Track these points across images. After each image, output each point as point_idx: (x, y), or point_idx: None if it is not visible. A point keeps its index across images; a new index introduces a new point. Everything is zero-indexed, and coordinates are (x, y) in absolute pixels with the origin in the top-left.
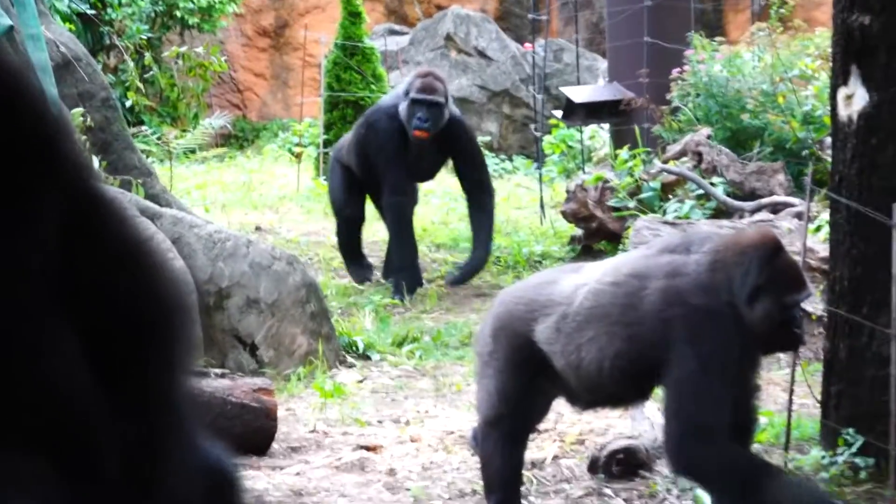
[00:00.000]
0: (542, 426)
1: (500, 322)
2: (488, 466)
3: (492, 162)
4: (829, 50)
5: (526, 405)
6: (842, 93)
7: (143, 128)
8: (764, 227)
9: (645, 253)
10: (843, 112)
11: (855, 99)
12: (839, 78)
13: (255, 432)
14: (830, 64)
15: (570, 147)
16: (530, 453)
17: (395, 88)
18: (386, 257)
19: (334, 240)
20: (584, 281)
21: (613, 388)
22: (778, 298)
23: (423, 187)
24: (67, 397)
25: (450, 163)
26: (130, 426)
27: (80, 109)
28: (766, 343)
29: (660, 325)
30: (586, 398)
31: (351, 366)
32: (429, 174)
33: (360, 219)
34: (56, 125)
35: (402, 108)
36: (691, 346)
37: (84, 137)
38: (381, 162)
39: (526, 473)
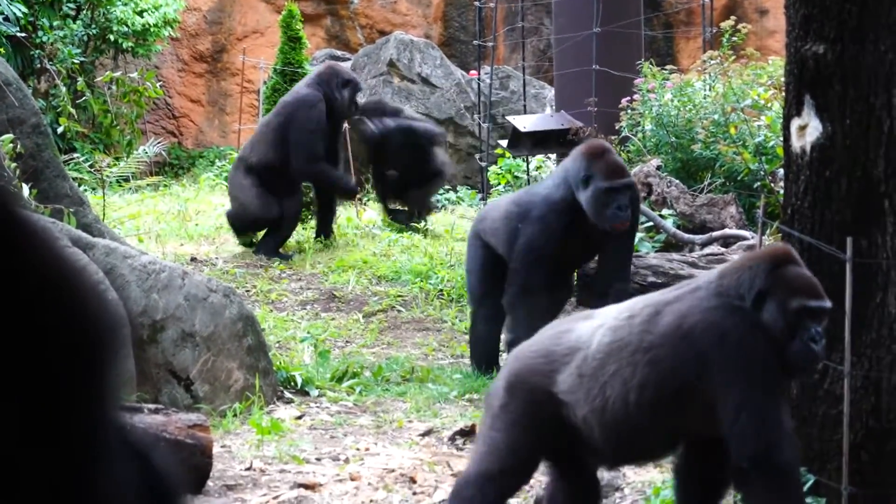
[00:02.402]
0: None
1: (517, 377)
2: None
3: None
4: (783, 79)
5: (531, 463)
6: (795, 123)
7: (76, 155)
8: (777, 243)
9: (661, 291)
10: (797, 143)
11: (808, 130)
12: (792, 108)
13: (190, 470)
14: (783, 94)
15: (517, 177)
16: None
17: (555, 173)
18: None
19: (273, 272)
20: (601, 322)
21: (643, 426)
22: (783, 302)
23: (365, 217)
24: None
25: None
26: (57, 453)
27: (9, 136)
28: (783, 357)
29: (679, 342)
30: (612, 449)
31: (289, 401)
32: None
33: (499, 317)
34: None
35: (585, 197)
36: (716, 351)
37: (14, 164)
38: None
39: None
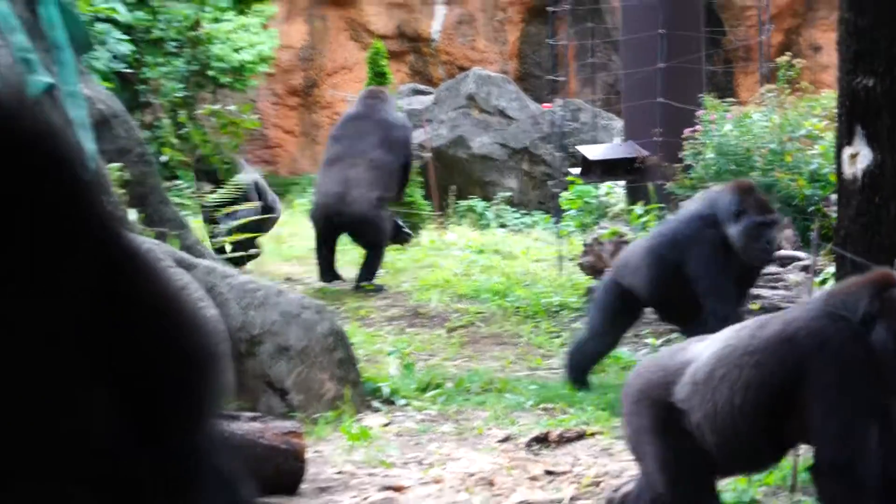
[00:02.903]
0: (560, 469)
1: (641, 394)
2: None
3: (512, 216)
4: (835, 111)
5: (693, 468)
6: (847, 152)
7: (178, 182)
8: (883, 268)
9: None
10: (848, 170)
11: (859, 158)
12: (844, 138)
13: (285, 473)
14: (836, 124)
15: (587, 203)
16: (548, 494)
17: (691, 210)
18: None
19: (361, 291)
20: (714, 338)
21: (747, 429)
22: (893, 326)
23: (447, 240)
24: (102, 451)
25: None
26: (162, 473)
27: (117, 164)
28: (889, 379)
29: (781, 345)
30: (722, 454)
31: (377, 410)
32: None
33: (606, 351)
34: (87, 183)
35: (736, 231)
36: (816, 355)
37: (121, 191)
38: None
39: None
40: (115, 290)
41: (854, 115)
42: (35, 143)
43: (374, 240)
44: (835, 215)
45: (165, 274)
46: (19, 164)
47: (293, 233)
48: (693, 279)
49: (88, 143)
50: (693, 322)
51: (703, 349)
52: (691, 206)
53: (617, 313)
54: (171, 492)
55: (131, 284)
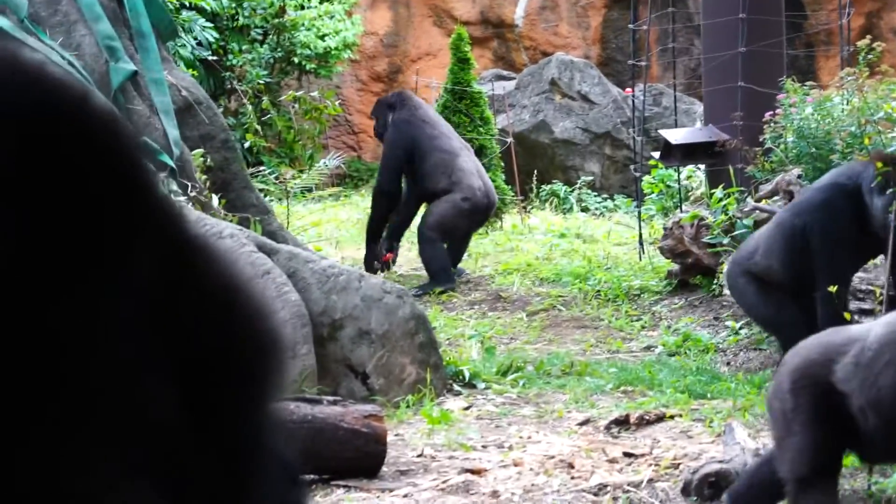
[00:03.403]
0: (638, 451)
1: (798, 373)
2: None
3: (594, 200)
4: None
5: (838, 457)
6: None
7: (262, 168)
8: None
9: None
10: None
11: None
12: None
13: (366, 456)
14: None
15: (668, 186)
16: (626, 476)
17: (840, 171)
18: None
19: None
20: (881, 321)
21: None
22: None
23: (529, 224)
24: (164, 435)
25: None
26: (218, 460)
27: (200, 150)
28: None
29: None
30: (882, 441)
31: (457, 393)
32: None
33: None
34: (148, 172)
35: (880, 202)
36: None
37: (204, 177)
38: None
39: (622, 495)
40: (176, 276)
41: None
42: (95, 131)
43: None
44: None
45: (229, 263)
46: (80, 151)
47: None
48: (813, 250)
49: (171, 128)
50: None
51: (868, 329)
52: (829, 175)
53: (774, 295)
54: (232, 477)
55: (193, 271)
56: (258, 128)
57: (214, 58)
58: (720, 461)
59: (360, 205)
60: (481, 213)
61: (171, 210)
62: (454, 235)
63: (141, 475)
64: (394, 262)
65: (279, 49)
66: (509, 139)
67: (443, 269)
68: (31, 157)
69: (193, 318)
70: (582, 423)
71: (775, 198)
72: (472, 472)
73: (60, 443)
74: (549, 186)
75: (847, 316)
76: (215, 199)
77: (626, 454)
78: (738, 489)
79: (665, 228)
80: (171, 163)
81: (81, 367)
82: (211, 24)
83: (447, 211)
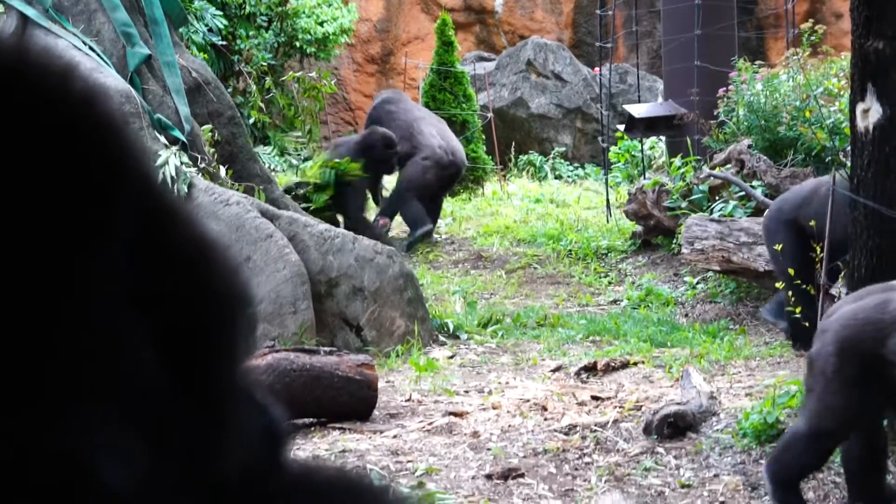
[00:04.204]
0: (605, 394)
1: (848, 343)
2: (798, 463)
3: (566, 169)
4: (850, 70)
5: (861, 421)
6: (860, 108)
7: (267, 141)
8: None
9: None
10: (861, 124)
11: (871, 113)
12: (857, 95)
13: (359, 401)
14: (850, 83)
15: (633, 156)
16: (593, 417)
17: None
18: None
19: (431, 237)
20: None
21: None
22: None
23: (508, 190)
24: (143, 388)
25: None
26: (194, 408)
27: (209, 126)
28: None
29: None
30: None
31: (442, 344)
32: None
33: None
34: (124, 144)
35: None
36: None
37: (213, 150)
38: None
39: (590, 434)
40: (154, 239)
41: (866, 75)
42: (74, 106)
43: None
44: (850, 164)
45: (201, 227)
46: (61, 125)
47: None
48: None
49: (182, 106)
50: None
51: None
52: None
53: (805, 246)
54: (207, 424)
55: (167, 238)
56: (262, 105)
57: (224, 43)
58: (678, 403)
59: None
60: (446, 170)
61: (149, 177)
62: (424, 192)
63: (121, 424)
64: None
65: (282, 34)
66: (490, 114)
67: (419, 217)
68: (9, 130)
69: (169, 277)
70: (554, 370)
71: (728, 165)
72: (455, 414)
73: (48, 400)
74: (526, 156)
75: None
76: (223, 170)
77: (594, 397)
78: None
79: (630, 194)
80: (182, 137)
81: (71, 330)
82: (220, 13)
83: (413, 171)
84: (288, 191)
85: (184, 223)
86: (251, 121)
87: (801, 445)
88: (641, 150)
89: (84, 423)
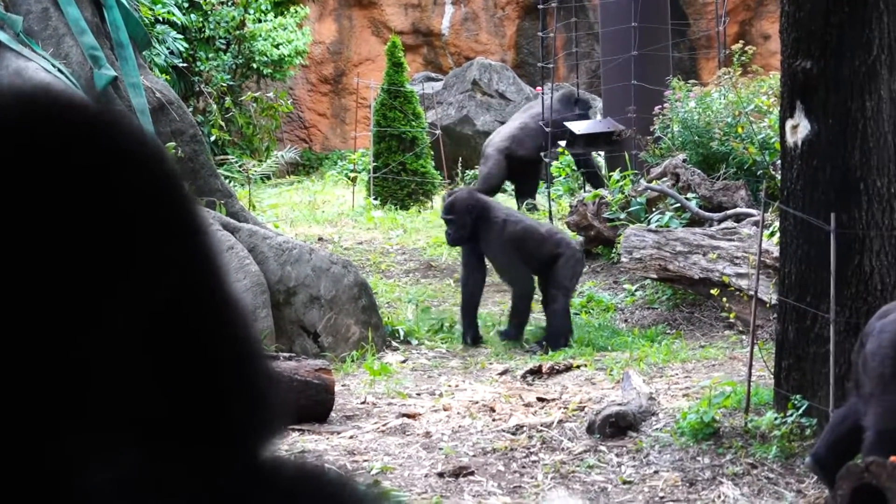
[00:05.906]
0: (550, 396)
1: None
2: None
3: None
4: (780, 89)
5: None
6: (789, 124)
7: (230, 157)
8: None
9: None
10: (790, 139)
11: (799, 129)
12: (786, 111)
13: (317, 404)
14: (780, 100)
15: (573, 170)
16: (539, 418)
17: None
18: None
19: (384, 248)
20: None
21: None
22: None
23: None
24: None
25: None
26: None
27: (172, 144)
28: None
29: None
30: None
31: (395, 349)
32: None
33: None
34: (182, 189)
35: None
36: None
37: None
38: None
39: (536, 434)
40: (191, 286)
41: (795, 93)
42: (134, 152)
43: None
44: (780, 178)
45: (228, 273)
46: (119, 171)
47: (325, 200)
48: None
49: (147, 125)
50: None
51: None
52: None
53: None
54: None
55: (205, 281)
56: (222, 124)
57: (184, 64)
58: (619, 404)
59: (310, 189)
60: None
61: (197, 224)
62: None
63: (113, 426)
64: None
65: (240, 56)
66: (438, 131)
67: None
68: (77, 175)
69: (197, 324)
70: (502, 373)
71: (664, 179)
72: (408, 416)
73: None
74: (473, 171)
75: None
76: (185, 186)
77: (540, 399)
78: (819, 451)
79: (571, 206)
80: None
81: (96, 364)
82: (181, 36)
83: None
84: None
85: (216, 273)
86: (212, 139)
87: (875, 452)
88: (580, 166)
89: (75, 426)
